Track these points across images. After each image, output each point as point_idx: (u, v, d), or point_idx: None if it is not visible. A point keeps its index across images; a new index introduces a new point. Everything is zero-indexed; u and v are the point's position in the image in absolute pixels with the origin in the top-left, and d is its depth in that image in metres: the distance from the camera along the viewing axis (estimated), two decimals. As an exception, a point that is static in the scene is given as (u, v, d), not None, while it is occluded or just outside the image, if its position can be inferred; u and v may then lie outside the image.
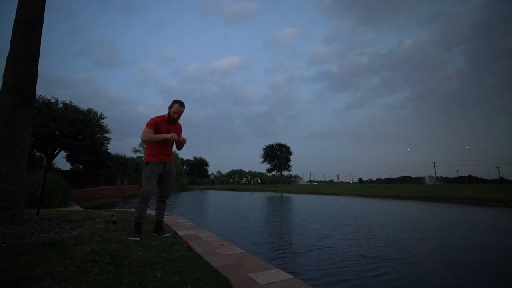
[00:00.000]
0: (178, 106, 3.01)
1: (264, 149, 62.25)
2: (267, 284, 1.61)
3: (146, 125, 2.93)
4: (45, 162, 18.96)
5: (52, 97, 19.16)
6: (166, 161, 3.03)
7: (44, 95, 18.93)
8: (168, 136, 2.86)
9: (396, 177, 73.48)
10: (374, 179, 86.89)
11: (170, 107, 3.03)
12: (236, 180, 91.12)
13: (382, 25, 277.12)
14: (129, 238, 2.73)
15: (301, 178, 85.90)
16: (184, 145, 3.10)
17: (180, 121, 3.15)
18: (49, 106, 18.50)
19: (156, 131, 2.94)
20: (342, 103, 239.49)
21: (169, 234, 3.04)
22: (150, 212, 5.66)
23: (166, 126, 3.03)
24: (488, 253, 4.91)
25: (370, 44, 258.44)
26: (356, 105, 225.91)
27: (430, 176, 52.74)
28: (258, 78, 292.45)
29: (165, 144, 3.01)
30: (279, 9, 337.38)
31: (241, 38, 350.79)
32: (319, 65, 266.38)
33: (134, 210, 3.00)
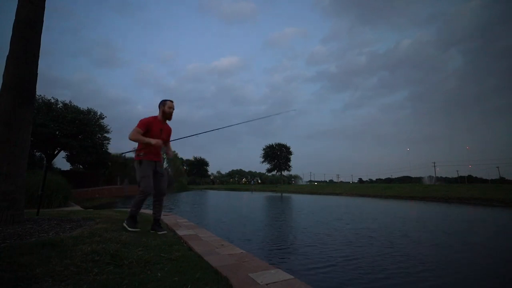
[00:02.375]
0: (171, 102, 3.21)
1: (264, 149, 62.34)
2: (267, 284, 1.61)
3: (138, 124, 3.03)
4: (45, 162, 18.97)
5: (52, 97, 19.19)
6: (157, 160, 3.13)
7: (44, 95, 18.96)
8: (153, 142, 2.96)
9: (396, 177, 73.67)
10: (374, 179, 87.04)
11: (162, 105, 3.20)
12: (236, 180, 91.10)
13: (380, 25, 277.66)
14: (130, 229, 2.98)
15: (301, 178, 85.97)
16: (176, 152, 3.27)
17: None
18: (49, 106, 18.49)
19: (148, 132, 3.03)
20: (341, 103, 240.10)
21: (165, 232, 3.10)
22: (149, 211, 5.65)
23: (159, 126, 3.15)
24: (488, 254, 4.91)
25: (368, 44, 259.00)
26: (355, 105, 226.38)
27: (429, 176, 52.86)
28: (257, 78, 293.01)
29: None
30: (278, 9, 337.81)
31: (240, 38, 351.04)
32: (318, 65, 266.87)
33: (133, 204, 3.07)
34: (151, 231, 3.07)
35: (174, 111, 3.24)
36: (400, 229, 7.21)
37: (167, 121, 3.33)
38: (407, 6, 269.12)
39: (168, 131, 3.34)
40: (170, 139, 3.44)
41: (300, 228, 7.25)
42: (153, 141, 2.97)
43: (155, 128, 3.10)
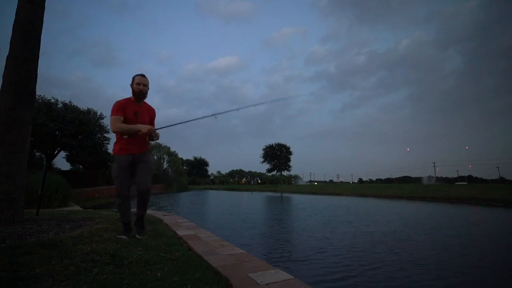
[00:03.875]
0: (139, 77, 2.72)
1: (264, 149, 62.38)
2: (267, 284, 1.61)
3: (112, 111, 2.58)
4: (45, 162, 18.95)
5: (52, 97, 19.16)
6: (135, 153, 2.66)
7: (44, 95, 18.94)
8: (143, 130, 2.57)
9: (396, 177, 73.80)
10: (374, 179, 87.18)
11: (131, 84, 2.72)
12: (236, 180, 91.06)
13: (378, 25, 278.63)
14: (117, 236, 2.64)
15: (301, 178, 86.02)
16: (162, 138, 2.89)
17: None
18: (49, 106, 18.46)
19: (124, 116, 2.62)
20: (340, 103, 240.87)
21: (145, 237, 2.76)
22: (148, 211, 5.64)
23: (134, 109, 2.69)
24: (487, 255, 4.88)
25: (367, 44, 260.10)
26: (354, 105, 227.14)
27: (429, 176, 52.97)
28: (256, 77, 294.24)
29: (136, 135, 2.65)
30: (276, 9, 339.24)
31: (239, 38, 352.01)
32: (316, 64, 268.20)
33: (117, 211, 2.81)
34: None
35: (147, 88, 2.74)
36: (402, 230, 7.18)
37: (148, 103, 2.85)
38: (406, 6, 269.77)
39: (150, 112, 2.85)
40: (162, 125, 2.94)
41: (301, 231, 7.18)
42: (143, 129, 2.56)
43: (129, 111, 2.65)
